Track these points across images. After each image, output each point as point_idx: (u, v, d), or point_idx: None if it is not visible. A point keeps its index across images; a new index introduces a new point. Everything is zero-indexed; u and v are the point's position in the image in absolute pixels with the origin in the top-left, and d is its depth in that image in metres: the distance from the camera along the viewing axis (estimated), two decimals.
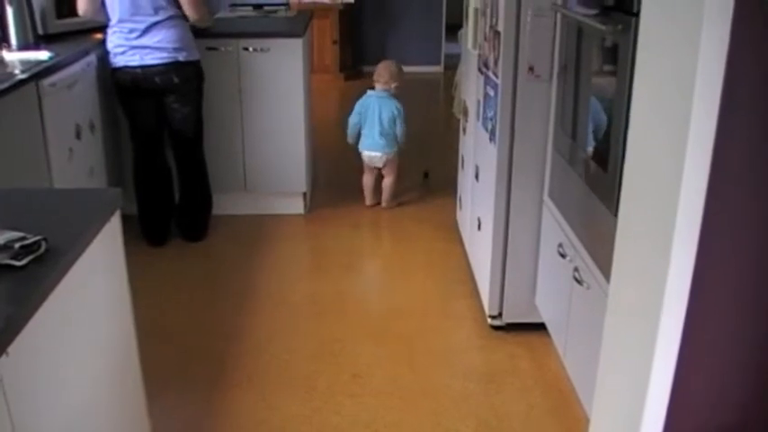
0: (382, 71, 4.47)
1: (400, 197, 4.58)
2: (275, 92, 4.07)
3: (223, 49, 3.97)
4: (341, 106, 6.85)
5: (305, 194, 4.32)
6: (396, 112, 4.38)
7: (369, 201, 4.53)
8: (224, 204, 4.17)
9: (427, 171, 4.73)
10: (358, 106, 4.47)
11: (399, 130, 4.40)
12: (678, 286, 1.40)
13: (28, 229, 1.45)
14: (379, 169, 4.50)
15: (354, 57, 8.14)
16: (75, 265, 1.47)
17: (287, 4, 5.51)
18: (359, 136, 4.50)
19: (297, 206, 4.32)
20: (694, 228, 1.37)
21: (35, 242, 1.41)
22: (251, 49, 3.99)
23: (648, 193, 1.52)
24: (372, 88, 4.49)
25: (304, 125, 4.16)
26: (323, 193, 4.67)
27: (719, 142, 1.32)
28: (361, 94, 4.54)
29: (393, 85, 4.43)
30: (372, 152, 4.43)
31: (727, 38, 1.27)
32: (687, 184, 1.35)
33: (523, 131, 2.80)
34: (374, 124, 4.39)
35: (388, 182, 4.48)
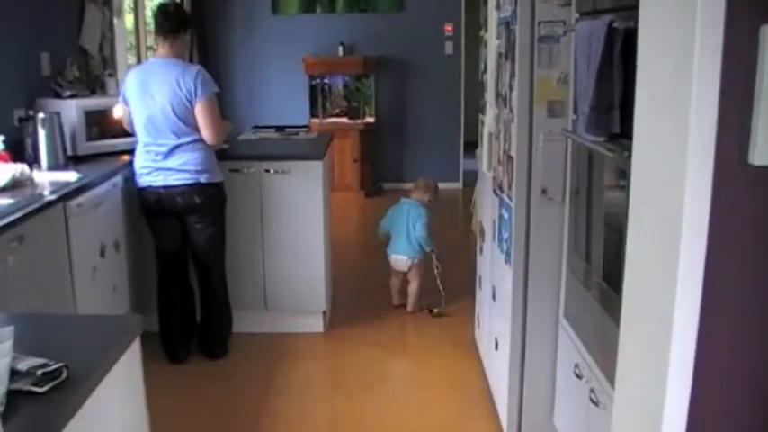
0: (421, 183, 4.73)
1: (423, 301, 4.62)
2: (295, 212, 4.12)
3: (245, 170, 4.05)
4: (361, 224, 6.92)
5: (324, 313, 4.30)
6: (418, 219, 4.54)
7: (395, 300, 4.71)
8: (244, 322, 4.16)
9: (433, 308, 4.62)
10: (391, 211, 4.68)
11: (418, 231, 4.52)
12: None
13: (51, 355, 1.47)
14: (405, 273, 4.63)
15: (375, 174, 8.25)
16: (96, 391, 1.48)
17: (308, 126, 5.67)
18: (389, 238, 4.66)
19: (316, 324, 4.30)
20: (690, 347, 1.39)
21: (56, 369, 1.43)
22: (272, 171, 4.06)
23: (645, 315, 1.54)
24: (407, 197, 4.71)
25: (323, 244, 4.19)
26: (342, 311, 4.65)
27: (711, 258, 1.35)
28: (384, 210, 4.71)
29: (426, 198, 4.67)
30: (399, 255, 4.59)
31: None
32: (681, 300, 1.37)
33: (538, 253, 2.82)
34: (402, 230, 4.57)
35: (413, 287, 4.62)
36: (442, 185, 8.71)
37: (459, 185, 8.46)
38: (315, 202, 4.14)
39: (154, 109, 3.61)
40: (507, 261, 2.97)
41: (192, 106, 3.60)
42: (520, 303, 2.89)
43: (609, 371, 2.24)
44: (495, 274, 3.31)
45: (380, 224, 4.72)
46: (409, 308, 4.64)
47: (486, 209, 3.57)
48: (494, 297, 3.35)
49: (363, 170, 7.98)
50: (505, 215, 3.00)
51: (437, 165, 8.37)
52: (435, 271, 4.55)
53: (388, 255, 4.66)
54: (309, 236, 4.16)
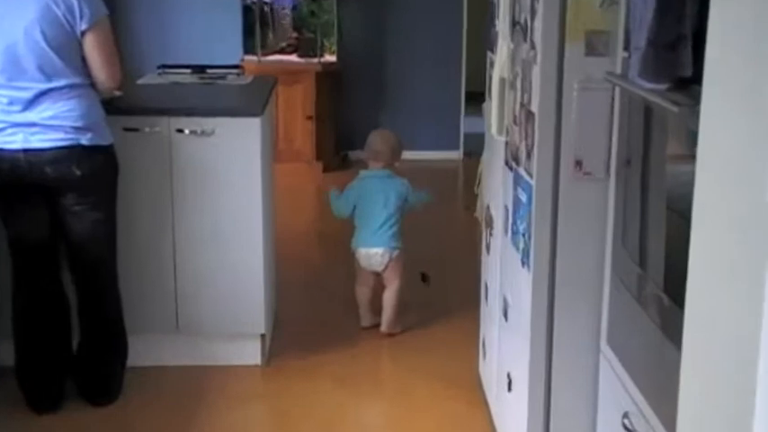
0: (381, 145, 4.72)
1: (406, 317, 4.67)
2: (221, 192, 4.10)
3: (148, 130, 4.01)
4: (318, 210, 6.91)
5: (263, 337, 4.31)
6: (405, 190, 4.63)
7: (366, 320, 4.74)
8: (146, 352, 4.14)
9: (425, 273, 4.86)
10: (351, 193, 4.68)
11: (414, 200, 4.65)
12: None
13: None
14: (378, 275, 4.67)
15: (338, 139, 8.25)
16: None
17: (240, 67, 5.59)
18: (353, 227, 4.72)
19: (252, 353, 4.29)
20: None
21: None
22: (187, 131, 4.02)
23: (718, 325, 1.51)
24: (367, 168, 4.74)
25: (262, 239, 4.18)
26: (290, 334, 4.66)
27: None
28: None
29: (396, 162, 4.73)
30: (371, 249, 4.62)
31: None
32: None
33: (569, 253, 2.82)
34: (374, 214, 4.61)
35: (390, 294, 4.65)
36: (435, 155, 8.82)
37: (458, 155, 8.50)
38: (250, 178, 4.13)
39: (11, 34, 3.52)
40: (525, 263, 2.97)
41: (76, 33, 3.56)
42: (543, 324, 2.88)
43: (675, 423, 2.21)
44: (508, 281, 3.31)
45: (334, 205, 4.75)
46: (385, 327, 4.67)
47: (495, 189, 3.57)
48: (505, 315, 3.36)
49: (321, 133, 7.97)
50: (523, 197, 2.99)
51: (427, 125, 8.37)
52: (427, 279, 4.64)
53: (353, 250, 4.69)
54: (243, 227, 4.15)
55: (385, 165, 4.69)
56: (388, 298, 4.64)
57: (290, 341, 4.57)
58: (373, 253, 4.62)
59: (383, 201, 4.61)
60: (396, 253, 4.62)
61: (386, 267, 4.63)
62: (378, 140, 4.77)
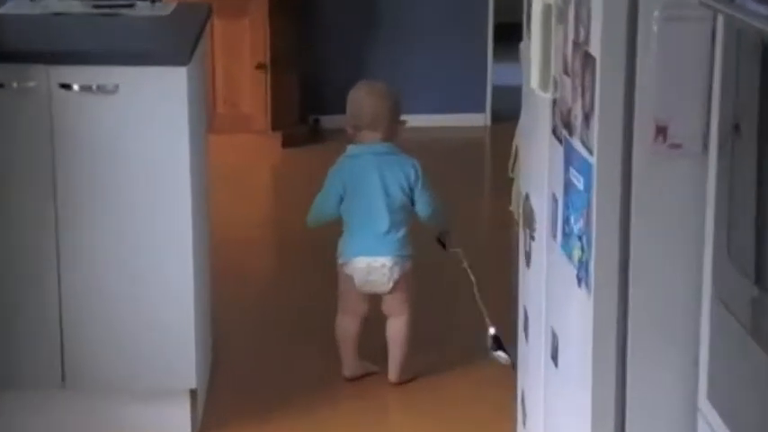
0: (374, 107, 4.68)
1: (414, 358, 4.71)
2: (129, 180, 4.10)
3: (16, 86, 4.00)
4: (275, 203, 6.91)
5: (194, 393, 4.31)
6: (413, 175, 4.61)
7: (349, 369, 4.76)
8: (20, 415, 4.15)
9: (444, 233, 4.87)
10: (337, 179, 4.67)
11: (425, 201, 4.63)
12: None
13: None
14: (374, 297, 4.68)
15: (306, 98, 8.29)
16: None
17: None
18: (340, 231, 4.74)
19: (178, 419, 4.31)
20: None
21: None
22: (76, 87, 4.02)
23: None
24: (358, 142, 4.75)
25: (192, 247, 4.18)
26: (235, 387, 4.69)
27: None
28: (322, 173, 4.70)
29: (399, 132, 4.72)
30: (374, 258, 4.59)
31: None
32: None
33: (648, 266, 2.79)
34: (374, 207, 4.60)
35: (399, 327, 4.71)
36: (450, 120, 8.81)
37: (483, 119, 8.50)
38: (172, 158, 4.13)
39: None
40: (583, 281, 2.94)
41: None
42: (611, 373, 2.85)
43: None
44: (558, 308, 3.34)
45: (317, 207, 4.72)
46: (395, 374, 4.70)
47: (539, 169, 3.60)
48: (554, 358, 3.37)
49: (280, 89, 8.02)
50: (579, 182, 2.96)
51: (438, 77, 8.35)
52: (464, 265, 4.67)
53: (342, 262, 4.67)
54: (162, 232, 4.16)
55: (384, 136, 4.65)
56: (397, 331, 4.66)
57: (235, 399, 4.59)
58: (378, 265, 4.59)
59: (383, 189, 4.59)
60: (408, 265, 4.63)
61: (394, 286, 4.61)
62: (369, 100, 4.71)
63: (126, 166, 4.08)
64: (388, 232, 4.55)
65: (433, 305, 5.04)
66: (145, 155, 4.09)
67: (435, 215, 4.66)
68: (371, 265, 4.57)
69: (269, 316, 5.17)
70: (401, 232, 4.57)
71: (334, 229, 4.60)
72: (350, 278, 4.63)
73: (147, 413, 4.28)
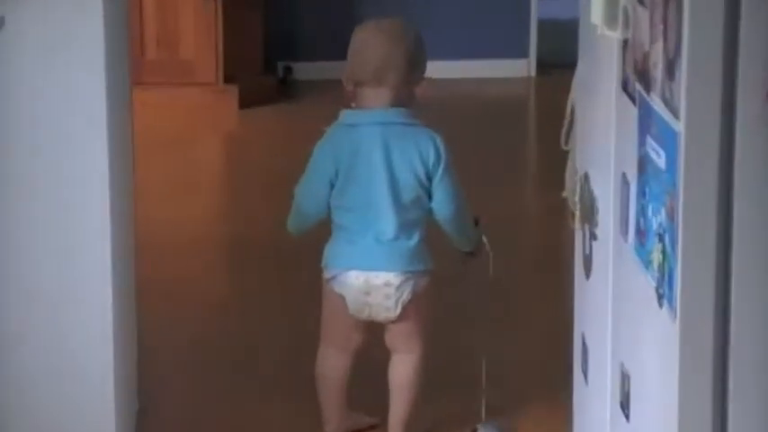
0: (387, 52, 4.57)
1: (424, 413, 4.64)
2: (20, 154, 4.09)
3: None
4: (228, 183, 6.86)
5: None
6: (433, 155, 4.55)
7: (332, 424, 4.74)
8: None
9: (478, 218, 4.89)
10: (325, 158, 4.63)
11: (446, 194, 4.58)
12: None
13: None
14: (370, 326, 4.60)
15: (272, 40, 8.29)
16: None
17: None
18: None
19: None
20: None
21: None
22: None
23: None
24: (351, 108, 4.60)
25: (111, 250, 4.13)
26: None
27: None
28: (303, 148, 4.66)
29: (418, 92, 4.60)
30: (374, 273, 4.53)
31: None
32: None
33: (758, 276, 2.67)
34: (375, 201, 4.54)
35: (408, 369, 4.68)
36: (484, 68, 8.97)
37: (526, 67, 8.52)
38: (83, 121, 4.09)
39: None
40: (665, 298, 2.82)
41: None
42: (706, 428, 2.78)
43: None
44: (630, 335, 3.24)
45: (298, 200, 4.63)
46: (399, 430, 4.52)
47: (603, 140, 3.51)
48: (625, 406, 3.30)
49: (236, 25, 8.07)
50: (659, 158, 2.85)
51: (468, 13, 8.36)
52: (486, 248, 4.82)
53: (329, 275, 4.58)
54: (68, 228, 4.15)
55: (395, 97, 4.50)
56: (403, 374, 4.57)
57: None
58: (380, 283, 4.47)
59: (392, 174, 4.46)
60: (423, 283, 4.51)
61: (402, 313, 4.50)
62: (375, 42, 4.55)
63: (16, 132, 4.08)
64: (396, 238, 4.38)
65: (453, 337, 5.05)
66: (43, 114, 4.04)
67: (458, 219, 4.46)
68: (371, 283, 4.41)
69: (215, 348, 5.16)
70: (414, 238, 4.36)
71: (316, 228, 4.53)
72: (339, 299, 4.42)
73: None
